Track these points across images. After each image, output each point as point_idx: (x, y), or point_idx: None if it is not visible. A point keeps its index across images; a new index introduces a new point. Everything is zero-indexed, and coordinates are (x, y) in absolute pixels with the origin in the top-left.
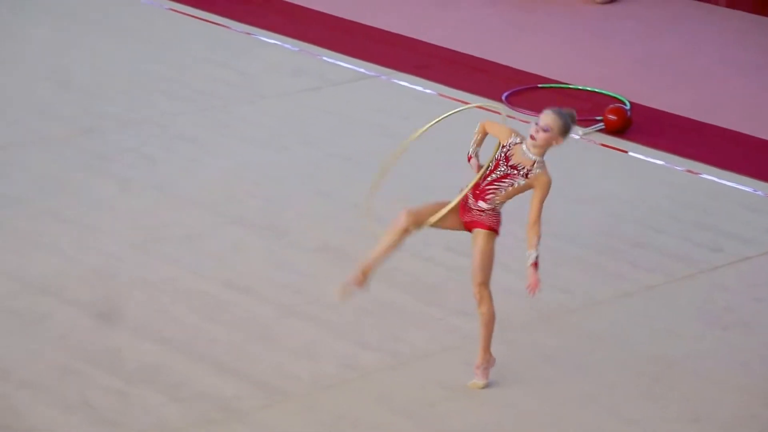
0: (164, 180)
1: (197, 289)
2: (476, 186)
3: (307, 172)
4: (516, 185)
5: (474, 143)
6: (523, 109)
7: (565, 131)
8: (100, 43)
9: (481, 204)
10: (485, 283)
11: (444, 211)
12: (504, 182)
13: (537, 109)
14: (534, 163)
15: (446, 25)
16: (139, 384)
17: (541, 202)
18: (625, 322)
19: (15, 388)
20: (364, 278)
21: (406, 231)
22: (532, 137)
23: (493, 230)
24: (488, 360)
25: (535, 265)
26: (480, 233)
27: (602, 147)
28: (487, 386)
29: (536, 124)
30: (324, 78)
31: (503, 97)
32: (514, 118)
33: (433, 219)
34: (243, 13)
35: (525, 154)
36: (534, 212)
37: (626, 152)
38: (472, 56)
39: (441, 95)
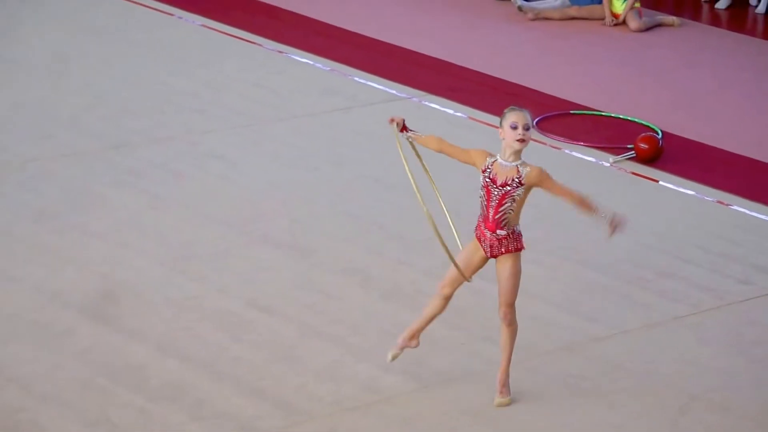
0: (193, 197)
1: (222, 307)
2: (485, 220)
3: (336, 193)
4: (518, 197)
5: (417, 139)
6: (554, 135)
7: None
8: (133, 59)
9: (500, 232)
10: (514, 302)
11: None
12: (506, 202)
13: (568, 135)
14: (518, 168)
15: (479, 49)
16: (161, 402)
17: (557, 184)
18: (651, 353)
19: (37, 402)
20: (413, 340)
21: (448, 297)
22: (521, 141)
23: (522, 249)
24: (508, 377)
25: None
26: (509, 257)
27: (633, 175)
28: (508, 403)
29: (513, 128)
30: (355, 98)
31: (534, 123)
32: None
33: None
34: (275, 32)
35: (505, 166)
36: (564, 193)
37: (657, 181)
38: (505, 80)
39: (471, 119)
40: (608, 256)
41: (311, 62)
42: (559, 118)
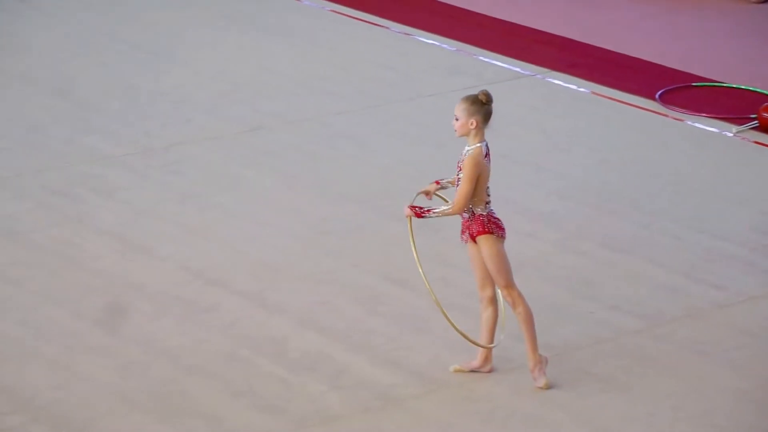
0: (326, 176)
1: (357, 281)
2: None
3: None
4: (460, 180)
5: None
6: (677, 107)
7: (473, 111)
8: (265, 44)
9: (464, 214)
10: (510, 284)
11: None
12: (457, 185)
13: (691, 108)
14: (465, 153)
15: (600, 24)
16: (301, 372)
17: (465, 180)
18: None
19: (184, 373)
20: (486, 362)
21: (492, 300)
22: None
23: (487, 233)
24: (540, 360)
25: (418, 214)
26: (481, 241)
27: (756, 145)
28: (549, 385)
29: None
30: (480, 77)
31: (657, 96)
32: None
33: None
34: (402, 15)
35: (463, 150)
36: (457, 193)
37: None
38: (626, 55)
39: (594, 93)
40: (733, 225)
41: (437, 43)
42: (681, 91)
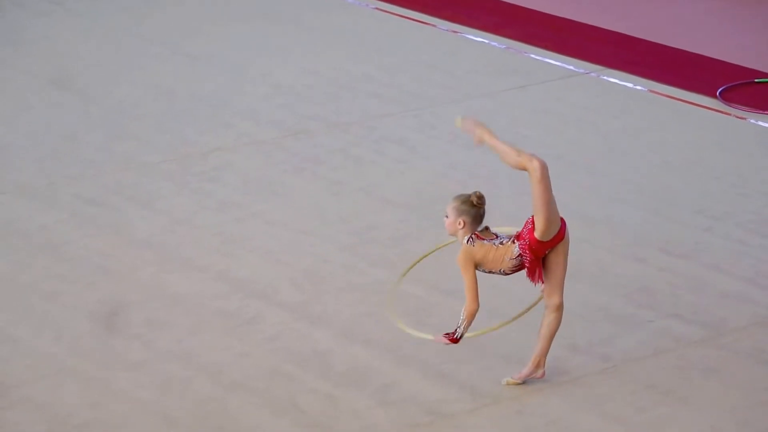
0: (372, 181)
1: (405, 291)
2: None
3: (515, 173)
4: None
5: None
6: (739, 104)
7: (462, 211)
8: (308, 45)
9: (514, 251)
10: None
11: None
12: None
13: (753, 105)
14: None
15: (657, 20)
16: (347, 387)
17: (464, 275)
18: None
19: (225, 389)
20: (539, 369)
21: (559, 306)
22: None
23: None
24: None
25: (453, 340)
26: (564, 242)
27: None
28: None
29: None
30: (531, 76)
31: (718, 93)
32: None
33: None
34: (449, 12)
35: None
36: (465, 290)
37: None
38: (685, 51)
39: (652, 92)
40: None
41: (486, 41)
42: (743, 88)
